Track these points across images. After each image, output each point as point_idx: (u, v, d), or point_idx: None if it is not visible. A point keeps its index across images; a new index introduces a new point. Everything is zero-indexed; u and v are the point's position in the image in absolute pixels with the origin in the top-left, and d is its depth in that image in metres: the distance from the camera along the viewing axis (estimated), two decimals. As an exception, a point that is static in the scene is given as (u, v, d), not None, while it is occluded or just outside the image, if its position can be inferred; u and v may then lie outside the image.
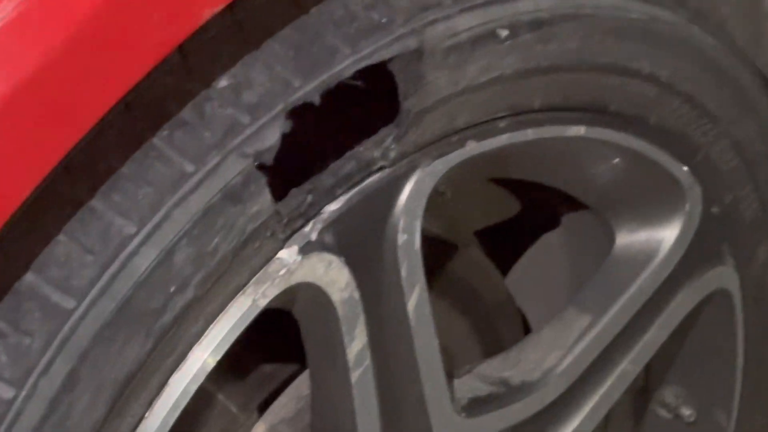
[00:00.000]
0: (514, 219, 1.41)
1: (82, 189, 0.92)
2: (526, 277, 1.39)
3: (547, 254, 1.37)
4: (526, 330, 1.37)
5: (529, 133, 1.09)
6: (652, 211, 1.22)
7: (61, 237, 0.91)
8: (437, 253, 1.29)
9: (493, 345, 1.28)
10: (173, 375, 0.97)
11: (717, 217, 1.24)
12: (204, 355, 0.97)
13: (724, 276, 1.28)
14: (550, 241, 1.36)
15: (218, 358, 0.98)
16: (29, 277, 0.90)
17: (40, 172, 0.85)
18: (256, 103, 0.94)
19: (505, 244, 1.42)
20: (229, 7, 0.94)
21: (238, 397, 1.17)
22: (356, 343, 1.03)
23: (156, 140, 0.92)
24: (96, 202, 0.91)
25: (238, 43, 0.96)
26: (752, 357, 1.34)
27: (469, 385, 1.18)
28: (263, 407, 1.17)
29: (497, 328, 1.32)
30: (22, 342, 0.89)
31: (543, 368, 1.20)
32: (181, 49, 0.92)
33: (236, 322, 0.98)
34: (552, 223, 1.36)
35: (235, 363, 1.14)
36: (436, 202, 1.34)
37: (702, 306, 1.28)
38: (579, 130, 1.12)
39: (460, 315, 1.30)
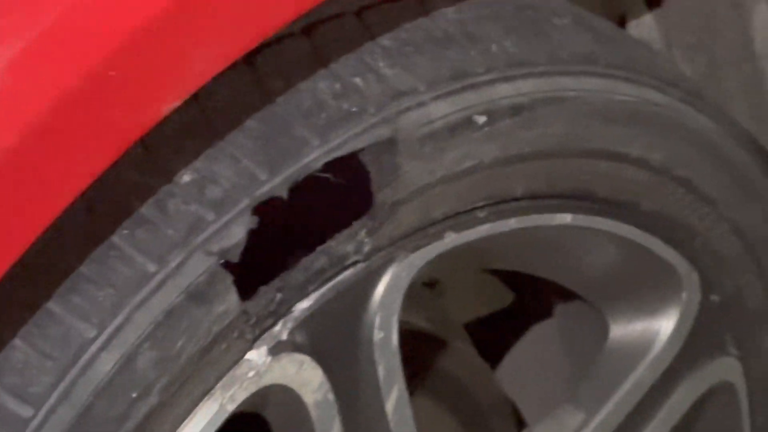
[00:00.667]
0: (507, 309, 1.43)
1: (40, 291, 0.92)
2: (519, 370, 1.39)
3: (540, 346, 1.38)
4: (521, 425, 1.39)
5: (512, 223, 1.09)
6: (648, 301, 1.22)
7: (17, 342, 0.91)
8: (424, 349, 1.29)
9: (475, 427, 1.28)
10: None
11: (718, 306, 1.24)
12: None
13: (728, 368, 1.28)
14: (543, 332, 1.37)
15: None
16: None
17: (-6, 273, 0.87)
18: (220, 198, 0.95)
19: (496, 334, 1.43)
20: (194, 98, 0.94)
21: None
22: None
23: (116, 239, 0.93)
24: (53, 305, 0.91)
25: (202, 136, 0.96)
26: None
27: None
28: None
29: (489, 426, 1.32)
30: None
31: None
32: (143, 142, 0.94)
33: (203, 428, 0.98)
34: (545, 313, 1.37)
35: None
36: (422, 295, 1.37)
37: (704, 400, 1.27)
38: (565, 218, 1.12)
39: (449, 414, 1.31)
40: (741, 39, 1.35)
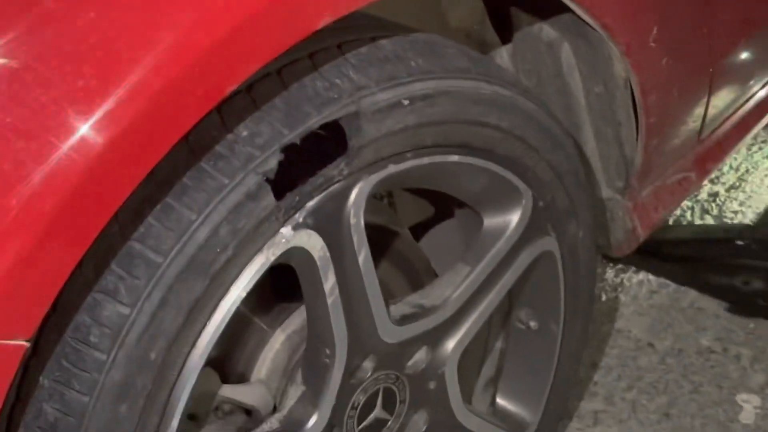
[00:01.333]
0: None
1: (163, 192, 0.91)
2: (437, 246, 1.35)
3: (448, 233, 1.34)
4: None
5: (425, 160, 1.08)
6: (503, 205, 1.20)
7: (151, 220, 0.90)
8: (385, 234, 1.26)
9: (416, 286, 1.25)
10: (221, 301, 0.96)
11: (542, 208, 1.22)
12: (238, 291, 0.96)
13: (549, 243, 1.26)
14: (449, 225, 1.33)
15: (247, 291, 0.97)
16: (135, 245, 0.90)
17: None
18: (263, 143, 0.94)
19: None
20: (247, 90, 0.96)
21: (266, 320, 1.15)
22: (329, 282, 1.03)
23: (204, 165, 0.92)
24: (171, 200, 0.91)
25: (251, 110, 0.95)
26: (569, 289, 1.32)
27: (400, 308, 1.17)
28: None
29: (419, 277, 1.28)
30: (134, 282, 0.90)
31: (443, 298, 1.18)
32: (219, 112, 0.94)
33: (257, 270, 0.97)
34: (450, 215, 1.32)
35: (263, 300, 1.15)
36: (382, 206, 1.36)
37: (537, 260, 1.25)
38: (454, 158, 1.11)
39: (398, 269, 1.27)
40: (554, 65, 1.34)
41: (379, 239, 1.22)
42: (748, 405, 1.53)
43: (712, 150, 1.54)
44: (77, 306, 0.90)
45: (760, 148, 1.98)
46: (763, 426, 1.50)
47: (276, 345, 1.14)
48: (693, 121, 1.45)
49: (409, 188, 1.24)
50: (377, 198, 1.27)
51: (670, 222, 1.65)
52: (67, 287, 0.86)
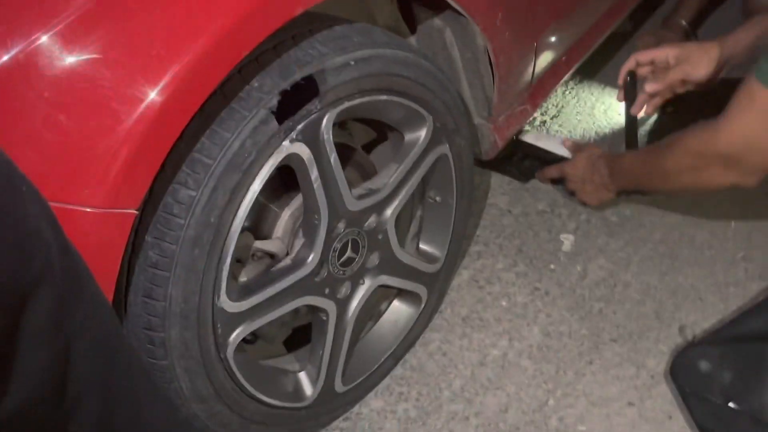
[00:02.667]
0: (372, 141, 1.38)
1: (208, 123, 0.91)
2: (378, 155, 1.33)
3: (384, 148, 1.33)
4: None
5: (366, 99, 1.07)
6: (415, 126, 1.20)
7: (195, 155, 0.92)
8: (347, 149, 1.25)
9: (367, 177, 1.24)
10: (250, 186, 0.95)
11: (439, 128, 1.22)
12: (259, 180, 0.96)
13: (445, 149, 1.26)
14: (386, 144, 1.31)
15: (263, 180, 0.95)
16: (195, 154, 0.90)
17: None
18: (268, 90, 0.94)
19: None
20: (256, 59, 0.95)
21: (277, 204, 1.15)
22: (314, 174, 1.03)
23: (234, 104, 0.92)
24: (216, 126, 0.91)
25: (260, 70, 0.95)
26: (458, 176, 1.32)
27: (358, 191, 1.16)
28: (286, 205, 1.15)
29: (368, 172, 1.27)
30: (196, 176, 0.90)
31: (383, 183, 1.19)
32: (240, 72, 0.94)
33: (269, 167, 0.97)
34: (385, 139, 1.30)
35: (277, 191, 1.15)
36: (342, 132, 1.36)
37: (438, 159, 1.26)
38: (384, 97, 1.10)
39: (355, 169, 1.26)
40: (442, 43, 1.31)
41: (343, 151, 1.22)
42: (567, 240, 1.58)
43: (539, 90, 1.56)
44: (164, 191, 0.92)
45: (570, 91, 2.00)
46: (576, 251, 1.56)
47: (286, 216, 1.16)
48: (526, 73, 1.47)
49: (358, 119, 1.22)
50: (339, 127, 1.27)
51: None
52: (157, 179, 0.87)
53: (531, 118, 1.58)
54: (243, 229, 1.08)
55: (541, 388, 1.33)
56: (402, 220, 1.38)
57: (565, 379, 1.34)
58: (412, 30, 1.35)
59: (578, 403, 1.30)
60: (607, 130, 1.83)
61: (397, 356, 1.39)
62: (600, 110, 1.92)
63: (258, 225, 1.15)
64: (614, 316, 1.44)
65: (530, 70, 1.47)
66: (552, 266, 1.53)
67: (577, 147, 1.51)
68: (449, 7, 1.21)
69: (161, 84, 0.76)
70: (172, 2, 0.79)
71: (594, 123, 1.86)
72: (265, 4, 0.85)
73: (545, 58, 1.52)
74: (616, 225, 1.62)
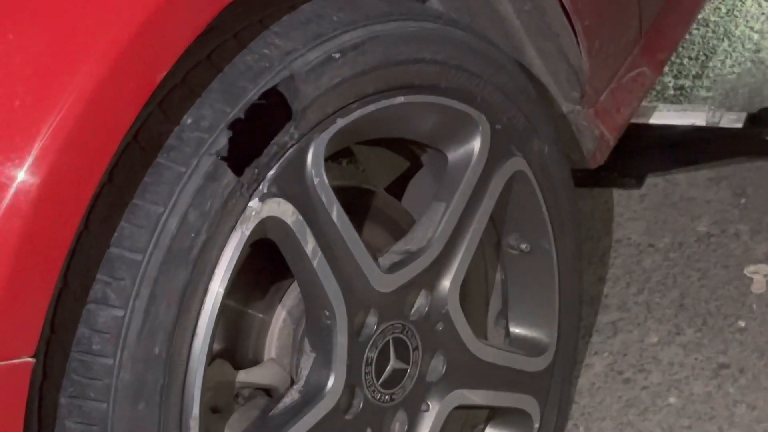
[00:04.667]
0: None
1: (129, 194, 0.95)
2: (416, 196, 1.37)
3: (423, 180, 1.36)
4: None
5: (371, 107, 1.10)
6: (462, 136, 1.23)
7: (124, 224, 0.94)
8: (360, 195, 1.29)
9: (400, 235, 1.27)
10: (209, 284, 0.98)
11: (502, 130, 1.25)
12: (222, 272, 0.99)
13: (518, 163, 1.29)
14: (421, 173, 1.35)
15: (232, 271, 0.99)
16: (113, 250, 0.94)
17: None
18: (208, 125, 0.97)
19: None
20: (183, 81, 0.99)
21: (261, 305, 1.18)
22: (309, 244, 1.06)
23: (160, 159, 0.96)
24: (137, 200, 0.95)
25: (191, 98, 0.98)
26: (550, 204, 1.35)
27: (388, 258, 1.20)
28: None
29: (400, 227, 1.31)
30: (119, 284, 0.94)
31: (427, 238, 1.21)
32: (160, 107, 0.97)
33: (235, 247, 1.00)
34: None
35: (258, 285, 1.18)
36: (346, 169, 1.39)
37: (511, 182, 1.28)
38: (400, 100, 1.13)
39: (380, 226, 1.30)
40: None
41: (355, 200, 1.25)
42: (758, 275, 1.57)
43: (658, 40, 1.57)
44: (74, 321, 0.94)
45: (714, 32, 2.01)
46: (776, 290, 1.54)
47: (279, 322, 1.18)
48: (630, 16, 1.49)
49: (369, 142, 1.25)
50: (342, 162, 1.30)
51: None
52: (59, 306, 0.92)
53: (654, 85, 1.58)
54: (214, 357, 1.11)
55: None
56: (473, 292, 1.40)
57: None
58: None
59: None
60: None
61: None
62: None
63: (237, 345, 1.18)
64: None
65: (635, 9, 1.49)
66: (741, 323, 1.53)
67: None
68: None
69: (31, 155, 0.80)
70: (36, 18, 0.85)
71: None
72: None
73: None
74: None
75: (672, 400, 1.44)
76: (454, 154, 1.25)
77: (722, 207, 1.70)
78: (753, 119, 1.64)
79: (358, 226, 1.21)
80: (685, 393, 1.44)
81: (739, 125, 1.63)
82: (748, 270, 1.57)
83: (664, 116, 1.65)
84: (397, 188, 1.40)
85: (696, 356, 1.48)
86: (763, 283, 1.54)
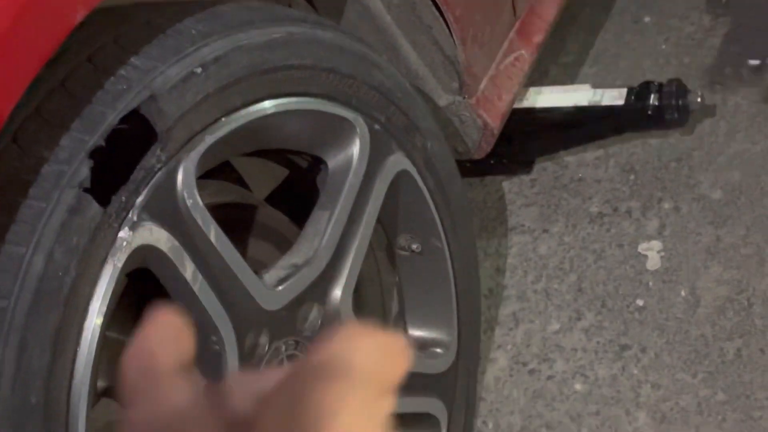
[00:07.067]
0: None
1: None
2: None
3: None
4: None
5: (241, 121, 1.10)
6: (340, 140, 1.23)
7: None
8: (241, 211, 1.29)
9: (286, 248, 1.25)
10: (84, 323, 0.97)
11: (381, 130, 1.26)
12: (97, 307, 0.98)
13: (400, 162, 1.29)
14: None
15: (107, 306, 0.98)
16: None
17: None
18: (68, 157, 0.96)
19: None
20: (36, 111, 0.97)
21: None
22: (188, 269, 1.05)
23: (16, 198, 0.94)
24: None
25: (47, 129, 0.97)
26: (438, 201, 1.36)
27: (275, 274, 1.18)
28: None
29: (286, 239, 1.30)
30: None
31: (313, 249, 1.21)
32: (15, 141, 0.95)
33: (108, 281, 0.99)
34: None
35: (136, 318, 1.17)
36: (223, 186, 1.38)
37: (396, 182, 1.29)
38: (270, 109, 1.13)
39: (265, 240, 1.30)
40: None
41: (235, 216, 1.25)
42: (651, 251, 1.61)
43: (533, 22, 1.60)
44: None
45: (591, 7, 2.04)
46: (670, 266, 1.58)
47: (165, 352, 1.16)
48: (502, 1, 1.51)
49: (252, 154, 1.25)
50: (220, 178, 1.28)
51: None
52: None
53: (534, 67, 1.60)
54: (99, 396, 1.10)
55: None
56: (368, 299, 1.41)
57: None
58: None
59: None
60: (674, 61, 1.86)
61: None
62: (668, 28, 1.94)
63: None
64: (764, 357, 1.44)
65: (506, -7, 1.51)
66: (639, 302, 1.56)
67: None
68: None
69: None
70: None
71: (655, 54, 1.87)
72: (20, 16, 0.87)
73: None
74: (723, 204, 1.65)
75: (578, 387, 1.46)
76: (334, 161, 1.25)
77: (612, 185, 1.73)
78: (635, 94, 1.68)
79: (241, 243, 1.21)
80: (591, 378, 1.47)
81: (621, 102, 1.66)
82: (642, 247, 1.60)
83: (547, 99, 1.67)
84: (280, 198, 1.40)
85: (598, 340, 1.51)
86: (657, 260, 1.58)
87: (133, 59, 1.03)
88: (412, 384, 1.35)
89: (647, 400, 1.43)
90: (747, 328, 1.47)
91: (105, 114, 0.99)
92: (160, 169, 1.04)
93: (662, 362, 1.46)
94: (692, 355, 1.47)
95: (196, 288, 1.07)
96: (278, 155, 1.33)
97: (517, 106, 1.62)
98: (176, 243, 1.05)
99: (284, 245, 1.29)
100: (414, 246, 1.37)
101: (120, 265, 1.01)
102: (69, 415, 0.98)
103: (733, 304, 1.50)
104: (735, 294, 1.51)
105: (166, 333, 0.45)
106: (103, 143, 0.98)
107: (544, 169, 1.81)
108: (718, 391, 1.41)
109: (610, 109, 1.65)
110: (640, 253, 1.60)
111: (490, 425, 1.47)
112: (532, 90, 1.70)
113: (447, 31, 1.40)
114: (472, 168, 1.64)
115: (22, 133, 0.97)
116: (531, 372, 1.51)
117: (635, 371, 1.46)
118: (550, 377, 1.50)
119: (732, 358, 1.45)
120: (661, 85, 1.68)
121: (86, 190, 0.97)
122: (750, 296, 1.50)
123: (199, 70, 1.06)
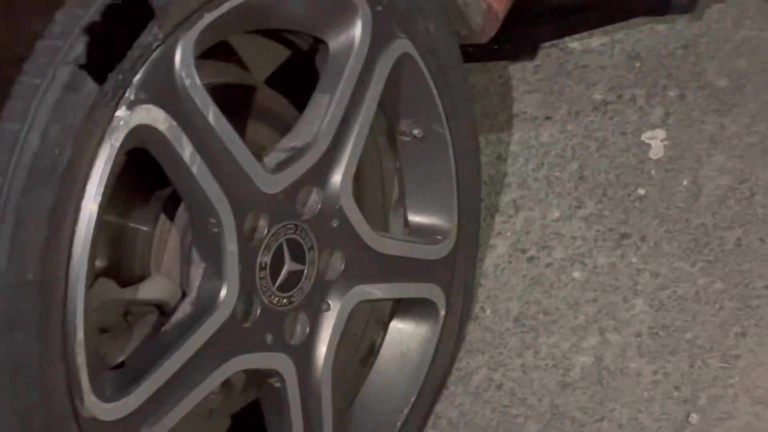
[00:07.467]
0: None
1: None
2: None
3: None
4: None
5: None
6: (341, 21, 1.20)
7: None
8: (241, 92, 1.27)
9: (285, 131, 1.23)
10: (81, 202, 0.97)
11: (383, 12, 1.23)
12: (95, 188, 0.97)
13: (403, 45, 1.26)
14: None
15: (105, 186, 0.97)
16: None
17: None
18: (62, 32, 0.94)
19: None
20: None
21: (142, 216, 1.17)
22: (186, 150, 1.04)
23: (23, 77, 0.93)
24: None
25: (41, 3, 0.96)
26: (441, 86, 1.33)
27: (274, 157, 1.17)
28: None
29: (285, 122, 1.28)
30: None
31: (313, 133, 1.19)
32: (7, 16, 0.95)
33: (106, 161, 0.98)
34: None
35: (138, 198, 1.17)
36: (222, 66, 1.36)
37: (397, 66, 1.26)
38: None
39: (265, 122, 1.28)
40: None
41: (233, 98, 1.23)
42: (655, 140, 1.59)
43: None
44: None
45: None
46: (673, 155, 1.57)
47: (163, 234, 1.16)
48: None
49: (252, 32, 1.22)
50: (220, 58, 1.27)
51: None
52: None
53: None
54: (97, 276, 1.09)
55: (671, 400, 1.33)
56: (368, 184, 1.40)
57: (707, 375, 1.35)
58: None
59: (737, 411, 1.30)
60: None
61: (421, 412, 1.40)
62: None
63: (121, 262, 1.16)
64: (764, 246, 1.44)
65: None
66: (641, 191, 1.55)
67: None
68: None
69: None
70: None
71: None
72: None
73: None
74: (728, 92, 1.62)
75: (576, 274, 1.47)
76: (334, 42, 1.22)
77: (617, 72, 1.71)
78: (644, -21, 1.64)
79: (240, 125, 1.19)
80: (589, 266, 1.47)
81: (630, -14, 1.62)
82: (645, 136, 1.59)
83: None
84: (280, 79, 1.37)
85: (598, 228, 1.51)
86: (661, 148, 1.57)
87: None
88: (411, 270, 1.35)
89: (645, 288, 1.43)
90: (748, 218, 1.47)
91: (100, -11, 0.97)
92: (157, 47, 1.01)
93: (661, 251, 1.46)
94: (692, 244, 1.47)
95: (194, 169, 1.06)
96: (279, 36, 1.30)
97: (522, -11, 1.58)
98: (174, 123, 1.03)
99: (284, 128, 1.27)
100: (415, 131, 1.36)
101: (117, 144, 0.99)
102: (67, 293, 0.97)
103: (735, 194, 1.50)
104: (737, 183, 1.50)
105: None
106: (98, 18, 0.96)
107: (548, 55, 1.78)
108: (716, 280, 1.42)
109: (618, -6, 1.61)
110: (643, 141, 1.59)
111: (488, 311, 1.48)
112: (538, -27, 1.66)
113: None
114: (474, 53, 1.60)
115: (15, 6, 0.94)
116: (530, 259, 1.51)
117: (634, 259, 1.46)
118: (548, 264, 1.50)
119: (731, 248, 1.45)
120: (670, -32, 1.64)
121: (81, 66, 0.95)
122: (752, 185, 1.50)
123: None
